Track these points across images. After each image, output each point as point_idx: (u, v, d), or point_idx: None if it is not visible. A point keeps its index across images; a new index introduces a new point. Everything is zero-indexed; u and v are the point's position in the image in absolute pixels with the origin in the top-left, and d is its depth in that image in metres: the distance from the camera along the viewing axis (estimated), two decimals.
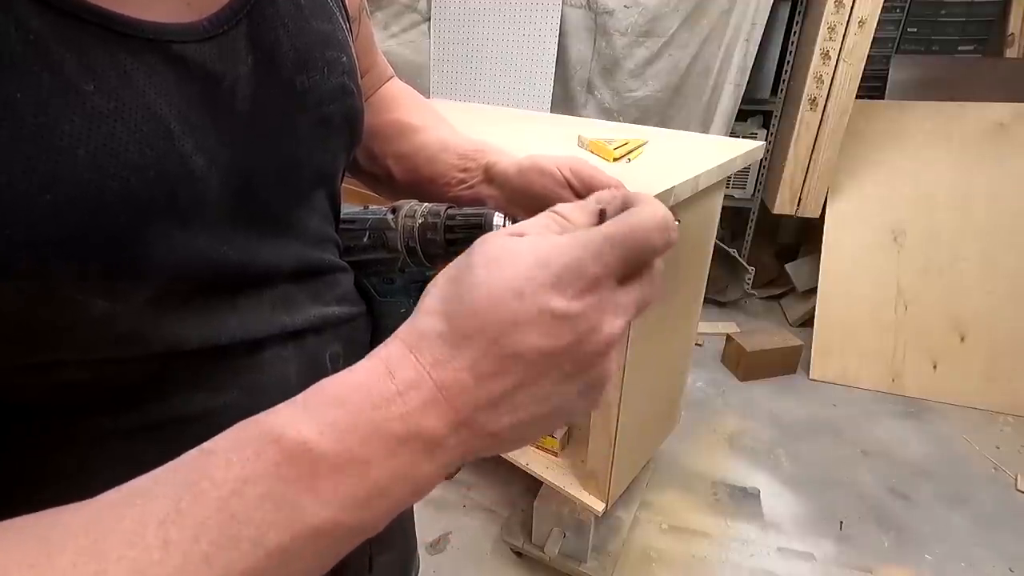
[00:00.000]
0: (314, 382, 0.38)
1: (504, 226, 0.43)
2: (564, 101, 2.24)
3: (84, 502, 0.20)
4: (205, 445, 0.21)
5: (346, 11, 0.41)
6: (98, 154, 0.23)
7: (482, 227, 0.42)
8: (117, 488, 0.20)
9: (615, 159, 1.02)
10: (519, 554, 1.37)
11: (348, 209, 0.46)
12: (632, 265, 0.24)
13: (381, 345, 0.24)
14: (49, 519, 0.19)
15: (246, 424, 0.22)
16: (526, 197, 0.44)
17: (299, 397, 0.22)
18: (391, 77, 0.58)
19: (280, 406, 0.22)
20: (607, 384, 0.25)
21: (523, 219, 0.43)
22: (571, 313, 0.22)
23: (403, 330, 0.24)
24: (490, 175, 0.47)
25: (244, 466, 0.20)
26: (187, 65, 0.27)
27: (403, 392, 0.21)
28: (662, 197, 0.84)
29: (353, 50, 0.40)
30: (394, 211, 0.45)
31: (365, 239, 0.45)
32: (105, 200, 0.24)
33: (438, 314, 0.23)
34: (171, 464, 0.21)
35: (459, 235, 0.43)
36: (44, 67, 0.22)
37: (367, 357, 0.23)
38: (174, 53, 0.27)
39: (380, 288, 0.47)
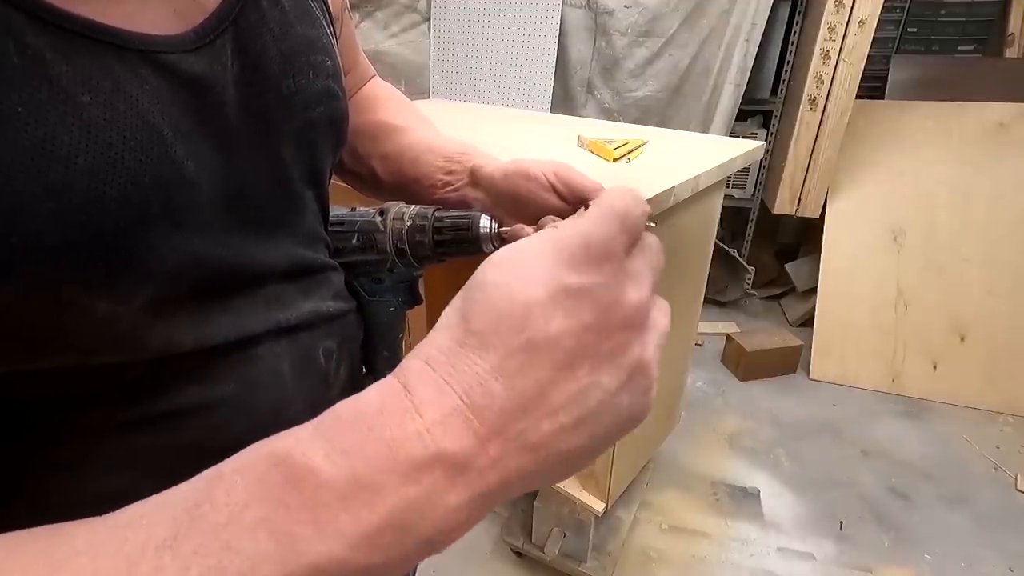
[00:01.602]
0: (308, 377, 0.39)
1: (491, 228, 0.43)
2: (564, 101, 2.24)
3: (102, 517, 0.19)
4: (220, 465, 0.20)
5: (329, 13, 0.41)
6: (96, 162, 0.24)
7: (469, 229, 0.43)
8: (139, 503, 0.20)
9: (615, 159, 1.02)
10: (519, 554, 1.37)
11: (336, 211, 0.47)
12: (630, 235, 0.23)
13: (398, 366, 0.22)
14: (62, 534, 0.19)
15: (260, 445, 0.20)
16: (511, 201, 0.45)
17: (314, 419, 0.21)
18: (373, 76, 0.58)
19: (295, 428, 0.21)
20: (651, 375, 0.23)
21: (508, 222, 0.44)
22: (588, 284, 0.21)
23: (419, 347, 0.22)
24: (475, 178, 0.47)
25: (246, 490, 0.19)
26: (176, 74, 0.28)
27: (420, 407, 0.19)
28: (662, 197, 0.84)
29: (337, 53, 0.40)
30: (382, 213, 0.46)
31: (354, 241, 0.46)
32: (104, 206, 0.25)
33: (453, 324, 0.21)
34: (191, 480, 0.20)
35: (447, 236, 0.44)
36: (42, 80, 0.23)
37: (383, 379, 0.22)
38: (163, 63, 0.27)
39: (369, 288, 0.48)
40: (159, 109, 0.27)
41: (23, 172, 0.22)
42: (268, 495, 0.18)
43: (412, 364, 0.21)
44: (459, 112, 1.53)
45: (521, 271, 0.21)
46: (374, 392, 0.21)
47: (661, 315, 0.24)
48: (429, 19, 2.22)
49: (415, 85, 2.30)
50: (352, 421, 0.20)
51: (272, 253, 0.35)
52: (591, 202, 0.25)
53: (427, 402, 0.20)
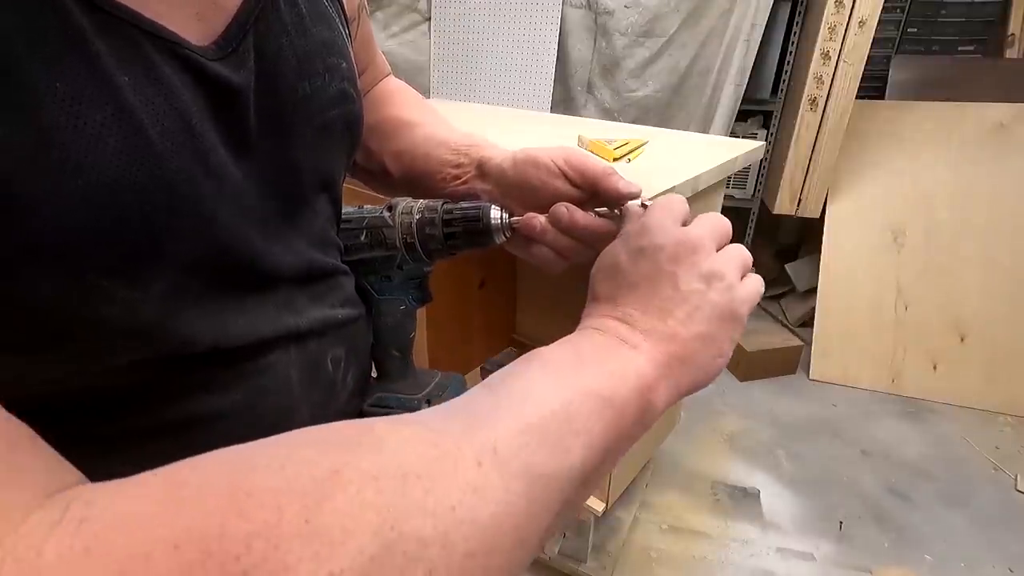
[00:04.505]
0: (316, 385, 0.40)
1: (502, 219, 0.43)
2: (564, 101, 2.23)
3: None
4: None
5: (344, 15, 0.41)
6: (126, 143, 0.24)
7: (480, 220, 0.43)
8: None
9: (615, 159, 1.02)
10: None
11: (344, 209, 0.46)
12: (675, 217, 0.37)
13: None
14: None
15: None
16: (522, 190, 0.45)
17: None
18: (388, 74, 0.58)
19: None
20: (725, 278, 0.34)
21: (519, 212, 0.44)
22: (652, 243, 0.35)
23: (581, 319, 0.36)
24: (484, 170, 0.47)
25: (520, 368, 0.30)
26: (203, 75, 0.28)
27: (598, 328, 0.33)
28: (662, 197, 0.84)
29: (352, 54, 0.40)
30: (390, 209, 0.45)
31: (362, 238, 0.45)
32: (132, 187, 0.25)
33: (589, 299, 0.36)
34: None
35: (457, 229, 0.44)
36: (82, 59, 0.23)
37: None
38: (191, 62, 0.28)
39: (378, 286, 0.47)
40: (187, 100, 0.27)
41: (56, 148, 0.22)
42: (541, 368, 0.30)
43: (580, 325, 0.35)
44: (459, 112, 1.53)
45: (609, 255, 0.36)
46: (567, 336, 0.34)
47: (732, 247, 0.36)
48: (429, 19, 2.22)
49: (415, 85, 2.28)
50: (558, 342, 0.33)
51: (285, 254, 0.35)
52: (643, 204, 0.40)
53: (601, 326, 0.33)
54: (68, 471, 0.21)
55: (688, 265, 0.33)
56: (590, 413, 0.27)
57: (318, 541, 0.18)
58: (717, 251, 0.35)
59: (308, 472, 0.20)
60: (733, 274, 0.34)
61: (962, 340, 1.90)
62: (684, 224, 0.36)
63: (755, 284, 0.36)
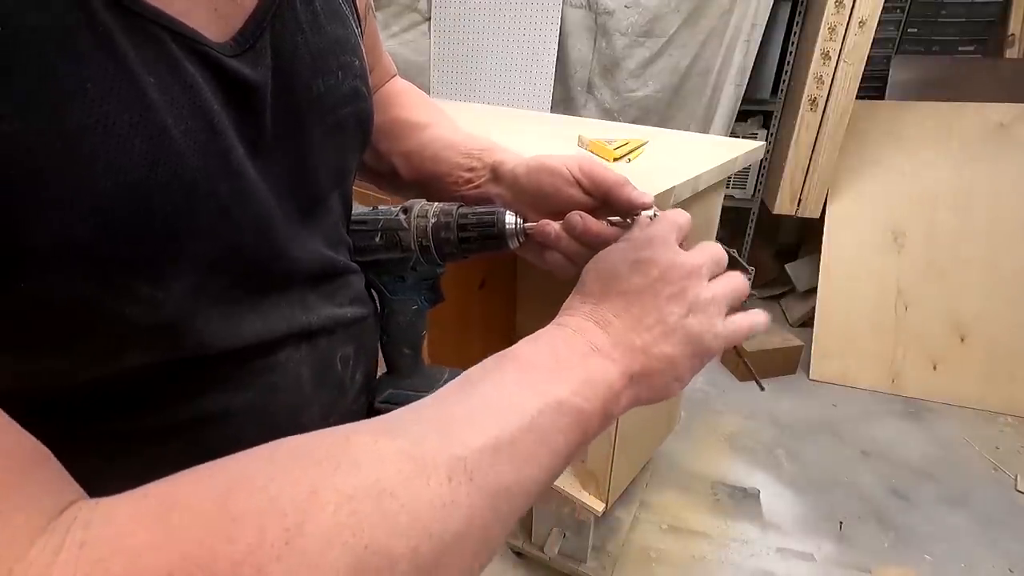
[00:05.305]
0: (326, 383, 0.40)
1: (516, 225, 0.43)
2: (564, 101, 2.23)
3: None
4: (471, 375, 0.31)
5: (357, 13, 0.41)
6: (151, 144, 0.25)
7: (494, 225, 0.43)
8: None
9: (615, 159, 1.02)
10: (519, 554, 1.37)
11: (358, 210, 0.46)
12: (680, 233, 0.38)
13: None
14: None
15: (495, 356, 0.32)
16: (535, 196, 0.45)
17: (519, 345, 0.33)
18: (394, 75, 0.58)
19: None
20: (708, 310, 0.35)
21: (531, 217, 0.44)
22: (651, 256, 0.35)
23: (563, 309, 0.36)
24: (497, 174, 0.47)
25: (497, 370, 0.31)
26: (223, 73, 0.28)
27: (576, 330, 0.33)
28: (662, 197, 0.84)
29: (364, 52, 0.40)
30: (405, 211, 0.46)
31: (377, 239, 0.45)
32: (156, 187, 0.25)
33: (578, 294, 0.36)
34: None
35: (472, 233, 0.44)
36: (110, 58, 0.23)
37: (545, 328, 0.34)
38: (211, 59, 0.28)
39: (391, 287, 0.48)
40: (207, 98, 0.27)
41: (87, 148, 0.23)
42: (512, 369, 0.30)
43: (560, 318, 0.35)
44: (459, 112, 1.53)
45: (608, 257, 0.37)
46: (548, 330, 0.34)
47: (726, 278, 0.37)
48: (429, 19, 2.22)
49: (415, 85, 2.29)
50: (540, 338, 0.33)
51: (300, 253, 0.35)
52: (655, 216, 0.40)
53: (580, 328, 0.33)
54: (69, 486, 0.21)
55: (677, 288, 0.34)
56: (558, 425, 0.28)
57: (296, 561, 0.19)
58: (710, 281, 0.36)
59: (289, 492, 0.21)
60: (717, 307, 0.35)
61: (962, 340, 1.90)
62: (685, 238, 0.38)
63: (740, 323, 0.36)
